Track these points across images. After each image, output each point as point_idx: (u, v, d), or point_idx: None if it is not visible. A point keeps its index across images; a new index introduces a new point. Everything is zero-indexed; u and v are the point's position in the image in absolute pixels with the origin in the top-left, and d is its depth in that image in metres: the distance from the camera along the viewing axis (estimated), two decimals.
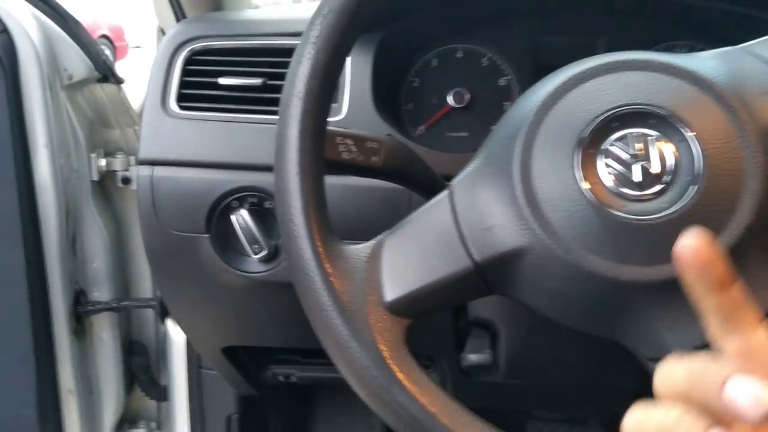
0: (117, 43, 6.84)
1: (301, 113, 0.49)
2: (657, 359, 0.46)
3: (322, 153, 0.50)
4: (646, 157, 0.44)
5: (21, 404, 1.01)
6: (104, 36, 6.64)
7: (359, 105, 0.75)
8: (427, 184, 0.61)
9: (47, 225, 0.98)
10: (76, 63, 1.05)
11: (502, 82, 0.80)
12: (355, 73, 0.76)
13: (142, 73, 0.83)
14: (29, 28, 0.96)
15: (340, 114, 0.75)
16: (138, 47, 6.80)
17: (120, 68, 1.22)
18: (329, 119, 0.68)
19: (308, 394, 1.30)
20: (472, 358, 0.76)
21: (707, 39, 0.77)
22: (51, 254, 0.99)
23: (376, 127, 0.73)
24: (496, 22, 0.80)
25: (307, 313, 0.49)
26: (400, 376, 0.46)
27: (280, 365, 0.97)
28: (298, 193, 0.48)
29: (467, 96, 0.79)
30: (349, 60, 0.76)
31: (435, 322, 0.77)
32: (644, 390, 0.51)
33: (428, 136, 0.80)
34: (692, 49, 0.76)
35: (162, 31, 1.04)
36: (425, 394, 0.46)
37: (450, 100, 0.79)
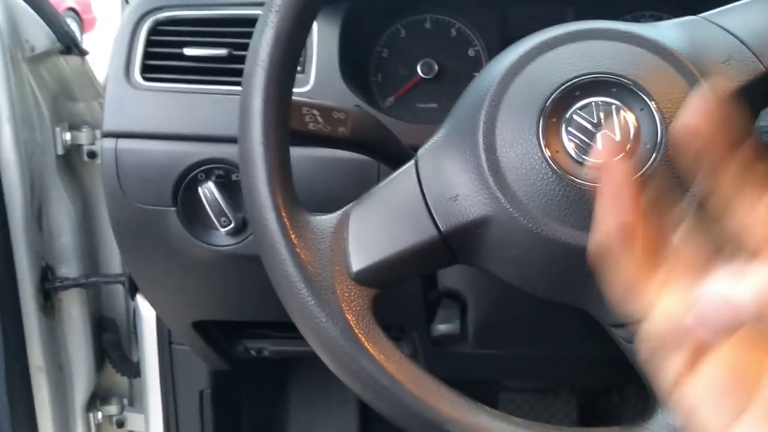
0: (84, 16, 6.69)
1: (264, 82, 0.48)
2: (620, 326, 0.47)
3: (287, 123, 0.50)
4: (609, 126, 0.44)
5: None
6: (71, 9, 6.50)
7: (327, 75, 0.74)
8: (395, 156, 0.61)
9: (12, 201, 0.96)
10: (39, 34, 1.03)
11: (471, 52, 0.80)
12: (322, 43, 0.75)
13: (108, 46, 0.81)
14: None
15: (308, 85, 0.74)
16: (107, 20, 6.67)
17: (88, 41, 1.19)
18: (297, 90, 0.68)
19: (282, 367, 1.30)
20: (441, 328, 0.76)
21: (672, 9, 0.77)
22: (16, 230, 0.97)
23: (344, 97, 0.73)
24: None
25: (273, 284, 0.49)
26: (367, 345, 0.46)
27: (252, 339, 0.97)
28: (263, 164, 0.48)
29: (436, 67, 0.79)
30: (316, 30, 0.75)
31: (405, 293, 0.77)
32: (611, 357, 0.52)
33: (397, 107, 0.80)
34: (658, 19, 0.77)
35: (126, 1, 1.02)
36: (392, 362, 0.46)
37: (419, 70, 0.79)
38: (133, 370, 1.16)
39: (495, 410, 0.46)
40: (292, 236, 0.47)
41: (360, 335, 0.47)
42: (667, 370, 0.32)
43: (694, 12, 0.51)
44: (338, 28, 0.75)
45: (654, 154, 0.44)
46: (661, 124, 0.44)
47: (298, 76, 0.73)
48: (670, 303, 0.32)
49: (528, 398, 1.29)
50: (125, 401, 1.23)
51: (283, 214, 0.47)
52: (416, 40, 0.80)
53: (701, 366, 0.30)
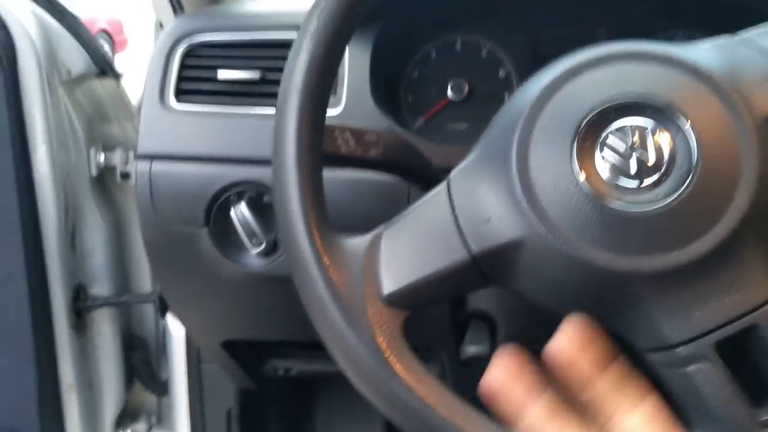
0: (116, 37, 6.83)
1: (298, 107, 0.49)
2: (655, 350, 0.47)
3: (320, 146, 0.50)
4: (643, 148, 0.44)
5: (22, 400, 1.02)
6: (103, 30, 6.63)
7: (358, 97, 0.75)
8: (426, 177, 0.61)
9: (46, 221, 0.98)
10: (75, 58, 1.05)
11: (501, 73, 0.80)
12: (353, 65, 0.76)
13: (140, 67, 0.83)
14: (28, 24, 0.96)
15: (339, 106, 0.75)
16: (137, 41, 6.79)
17: (119, 62, 1.22)
18: (328, 112, 0.68)
19: (308, 387, 1.30)
20: (471, 349, 0.76)
21: (706, 28, 0.77)
22: (50, 250, 0.99)
23: (374, 119, 0.73)
24: (496, 13, 0.80)
25: (305, 305, 0.49)
26: (398, 367, 0.46)
27: (280, 358, 0.97)
28: (296, 187, 0.48)
29: (466, 88, 0.79)
30: (347, 52, 0.76)
31: (434, 314, 0.77)
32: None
33: (427, 128, 0.80)
34: (691, 38, 0.76)
35: (160, 25, 1.04)
36: (423, 385, 0.46)
37: (449, 92, 0.79)
38: (162, 388, 1.17)
39: None
40: (325, 258, 0.48)
41: (391, 358, 0.46)
42: None
43: (729, 31, 0.51)
44: (369, 49, 0.76)
45: (689, 177, 0.43)
46: (696, 147, 0.43)
47: (330, 97, 0.74)
48: None
49: None
50: (153, 419, 1.24)
51: (316, 237, 0.48)
52: (447, 61, 0.80)
53: None
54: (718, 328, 0.44)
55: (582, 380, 0.42)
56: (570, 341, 0.43)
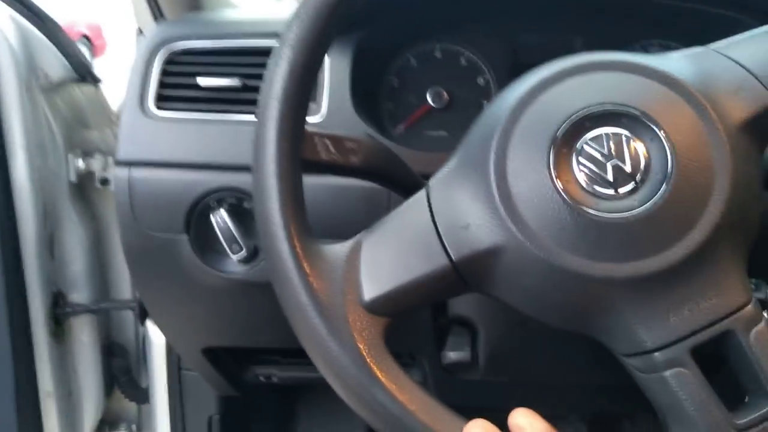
0: (95, 42, 6.78)
1: (278, 115, 0.49)
2: (632, 355, 0.47)
3: (300, 153, 0.51)
4: (619, 156, 0.45)
5: (0, 407, 1.00)
6: (82, 35, 6.57)
7: (338, 105, 0.75)
8: (406, 184, 0.62)
9: (24, 227, 0.97)
10: (54, 64, 1.04)
11: (480, 81, 0.80)
12: (333, 73, 0.76)
13: (119, 72, 0.82)
14: (6, 29, 0.95)
15: (320, 114, 0.75)
16: (116, 45, 6.74)
17: (98, 66, 1.21)
18: (309, 119, 0.68)
19: (291, 394, 1.30)
20: (452, 355, 0.76)
21: (681, 38, 0.78)
22: (29, 256, 0.98)
23: (355, 126, 0.73)
24: (475, 21, 0.81)
25: (285, 312, 0.49)
26: (379, 374, 0.46)
27: (261, 365, 0.97)
28: (276, 194, 0.48)
29: (446, 95, 0.80)
30: (327, 60, 0.76)
31: (415, 320, 0.77)
32: (622, 385, 0.52)
33: (407, 136, 0.80)
34: (666, 48, 0.77)
35: (140, 31, 1.04)
36: (404, 391, 0.46)
37: (429, 99, 0.80)
38: (142, 396, 1.16)
39: None
40: (305, 265, 0.48)
41: (372, 364, 0.47)
42: None
43: (702, 41, 0.52)
44: (350, 57, 0.76)
45: (664, 185, 0.44)
46: (671, 155, 0.44)
47: (310, 105, 0.74)
48: None
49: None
50: (134, 427, 1.23)
51: (296, 244, 0.48)
52: (426, 69, 0.81)
53: None
54: (694, 333, 0.45)
55: None
56: None
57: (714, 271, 0.45)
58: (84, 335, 1.12)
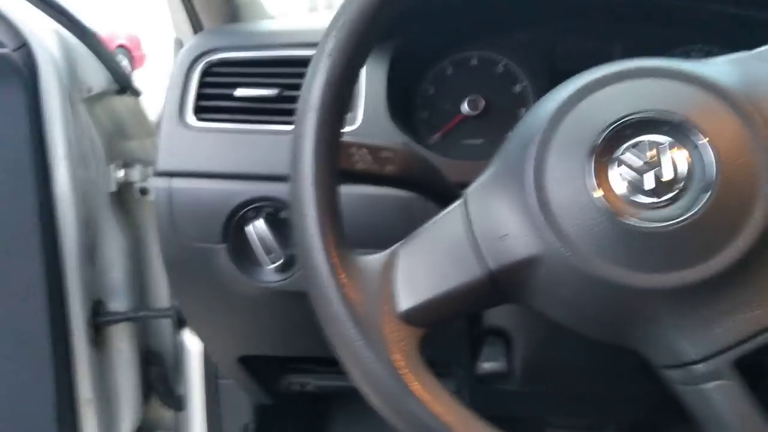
0: (134, 53, 6.91)
1: (316, 125, 0.49)
2: (672, 367, 0.46)
3: (337, 164, 0.51)
4: (660, 164, 0.44)
5: (40, 414, 1.02)
6: (122, 46, 6.71)
7: (374, 114, 0.75)
8: (442, 193, 0.61)
9: (66, 236, 0.99)
10: (95, 75, 1.06)
11: (517, 88, 0.80)
12: (369, 82, 0.76)
13: (158, 83, 0.84)
14: (49, 41, 0.97)
15: (355, 123, 0.75)
16: (155, 56, 6.87)
17: (137, 77, 1.23)
18: (345, 129, 0.69)
19: (325, 402, 1.30)
20: (487, 366, 0.76)
21: (723, 42, 0.76)
22: (69, 265, 1.00)
23: (391, 135, 0.73)
24: (511, 28, 0.80)
25: (321, 322, 0.49)
26: (414, 385, 0.46)
27: (296, 374, 0.97)
28: (313, 204, 0.48)
29: (482, 103, 0.79)
30: (364, 69, 0.76)
31: (450, 330, 0.77)
32: (660, 395, 0.51)
33: (443, 144, 0.80)
34: (709, 53, 0.76)
35: (179, 43, 1.05)
36: (439, 403, 0.46)
37: (465, 107, 0.79)
38: (179, 404, 1.17)
39: None
40: (341, 276, 0.48)
41: (407, 375, 0.46)
42: None
43: (746, 45, 0.51)
44: (386, 66, 0.76)
45: (707, 193, 0.43)
46: (714, 162, 0.43)
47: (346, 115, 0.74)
48: None
49: None
50: None
51: (333, 254, 0.48)
52: (463, 77, 0.81)
53: None
54: (738, 344, 0.44)
55: None
56: None
57: (758, 281, 0.44)
58: (122, 343, 1.13)
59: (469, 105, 0.79)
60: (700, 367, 0.44)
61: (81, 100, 1.01)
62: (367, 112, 0.75)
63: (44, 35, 0.97)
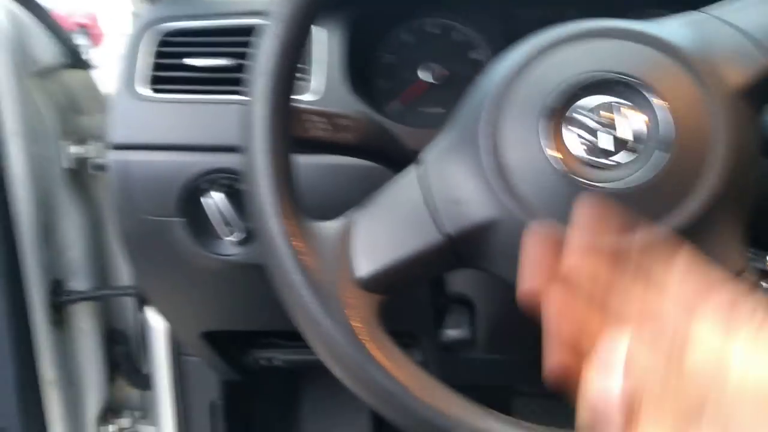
0: (93, 31, 6.77)
1: (268, 91, 0.48)
2: None
3: (291, 130, 0.50)
4: (615, 125, 0.44)
5: (1, 397, 1.00)
6: (80, 24, 6.57)
7: (332, 82, 0.74)
8: (400, 161, 0.61)
9: (20, 215, 0.96)
10: (46, 50, 1.03)
11: (475, 56, 0.79)
12: (328, 50, 0.75)
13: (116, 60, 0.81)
14: None
15: (313, 91, 0.74)
16: (114, 34, 6.74)
17: (97, 55, 1.20)
18: (302, 97, 0.67)
19: (294, 377, 1.30)
20: (451, 333, 0.76)
21: (675, 6, 0.76)
22: (25, 245, 0.98)
23: (349, 104, 0.72)
24: None
25: (278, 291, 0.49)
26: (374, 351, 0.46)
27: (262, 349, 0.97)
28: (266, 172, 0.48)
29: (441, 71, 0.78)
30: (321, 37, 0.75)
31: (413, 299, 0.77)
32: None
33: (402, 112, 0.79)
34: (661, 17, 0.76)
35: (136, 15, 1.03)
36: (399, 368, 0.46)
37: (423, 75, 0.79)
38: (145, 383, 1.16)
39: (505, 415, 0.45)
40: (297, 243, 0.47)
41: (366, 342, 0.46)
42: None
43: (699, 5, 0.51)
44: (343, 34, 0.75)
45: (661, 154, 0.43)
46: (668, 123, 0.43)
47: (303, 83, 0.73)
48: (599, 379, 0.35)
49: (542, 403, 1.27)
50: (137, 414, 1.23)
51: (287, 222, 0.47)
52: (421, 44, 0.80)
53: None
54: None
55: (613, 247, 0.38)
56: (588, 217, 0.39)
57: (713, 240, 0.44)
58: (84, 323, 1.12)
59: (427, 73, 0.78)
60: None
61: (31, 74, 0.98)
62: (324, 80, 0.74)
63: None
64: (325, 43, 0.75)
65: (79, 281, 1.09)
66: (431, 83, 0.79)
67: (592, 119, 0.44)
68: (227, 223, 0.72)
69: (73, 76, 1.11)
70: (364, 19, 0.77)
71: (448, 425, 0.44)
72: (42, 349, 1.03)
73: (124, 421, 1.21)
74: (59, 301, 1.05)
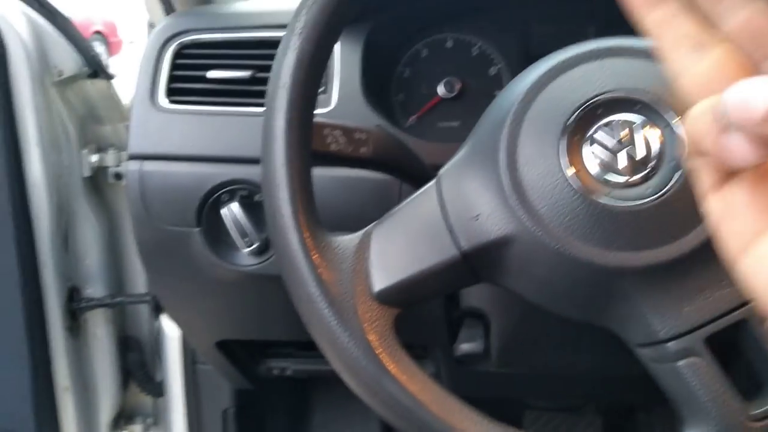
0: (111, 39, 6.81)
1: (286, 105, 0.49)
2: (645, 345, 0.47)
3: (309, 144, 0.50)
4: (632, 143, 0.44)
5: (17, 402, 1.01)
6: (98, 32, 6.61)
7: (349, 96, 0.74)
8: (417, 175, 0.61)
9: (39, 222, 0.98)
10: (66, 59, 1.05)
11: (492, 71, 0.80)
12: (344, 64, 0.76)
13: (134, 69, 0.83)
14: (18, 25, 0.95)
15: (330, 105, 0.75)
16: (132, 42, 6.79)
17: (114, 64, 1.21)
18: (320, 110, 0.68)
19: (305, 386, 1.30)
20: (465, 347, 0.76)
21: None
22: (44, 252, 0.99)
23: (366, 117, 0.73)
24: (486, 11, 0.80)
25: (295, 304, 0.49)
26: (389, 365, 0.46)
27: (275, 359, 0.97)
28: (285, 185, 0.48)
29: (458, 86, 0.79)
30: (339, 51, 0.76)
31: (428, 312, 0.77)
32: (637, 376, 0.51)
33: (419, 127, 0.80)
34: None
35: (152, 26, 1.04)
36: (414, 382, 0.46)
37: (440, 90, 0.79)
38: (158, 390, 1.17)
39: (516, 429, 0.45)
40: (314, 256, 0.47)
41: (382, 355, 0.46)
42: (699, 182, 0.31)
43: None
44: (360, 48, 0.76)
45: (678, 172, 0.43)
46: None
47: (320, 96, 0.73)
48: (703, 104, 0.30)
49: (553, 417, 1.27)
50: (149, 420, 1.24)
51: (305, 235, 0.48)
52: (438, 59, 0.80)
53: (726, 185, 0.30)
54: (708, 323, 0.44)
55: None
56: None
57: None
58: (99, 329, 1.12)
59: (444, 87, 0.79)
60: (671, 345, 0.45)
61: (52, 84, 1.00)
62: (342, 94, 0.75)
63: (13, 18, 0.95)
64: (344, 57, 0.76)
65: (95, 288, 1.10)
66: (448, 98, 0.79)
67: (610, 137, 0.44)
68: (244, 235, 0.73)
69: (93, 85, 1.12)
70: (381, 34, 0.78)
71: None
72: (57, 354, 1.03)
73: (137, 428, 1.22)
74: (75, 307, 1.06)
